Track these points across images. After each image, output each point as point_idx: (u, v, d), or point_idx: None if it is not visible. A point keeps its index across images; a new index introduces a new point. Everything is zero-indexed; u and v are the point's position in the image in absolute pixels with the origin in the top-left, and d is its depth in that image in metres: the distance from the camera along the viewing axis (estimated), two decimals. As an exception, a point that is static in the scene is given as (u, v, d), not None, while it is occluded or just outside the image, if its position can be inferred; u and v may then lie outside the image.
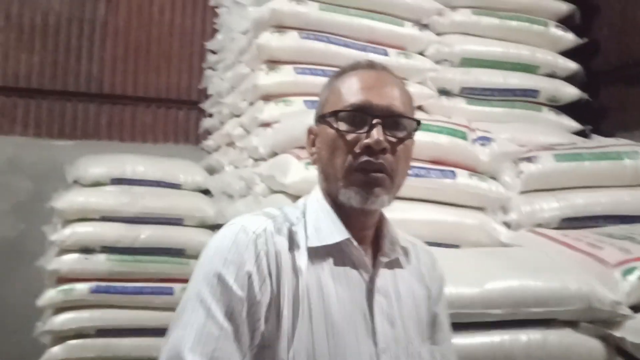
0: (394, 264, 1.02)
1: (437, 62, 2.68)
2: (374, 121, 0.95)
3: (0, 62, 3.92)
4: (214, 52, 3.88)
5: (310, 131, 1.06)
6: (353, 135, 0.95)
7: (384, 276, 1.00)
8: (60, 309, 2.90)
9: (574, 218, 1.99)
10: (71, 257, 2.90)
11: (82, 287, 2.89)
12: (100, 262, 2.92)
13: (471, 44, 2.71)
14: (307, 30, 2.50)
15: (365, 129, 0.95)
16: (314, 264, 0.94)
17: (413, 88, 2.58)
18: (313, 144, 1.04)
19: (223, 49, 3.58)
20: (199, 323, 0.86)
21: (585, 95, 2.79)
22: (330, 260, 0.96)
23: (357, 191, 0.95)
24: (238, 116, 2.94)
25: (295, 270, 0.92)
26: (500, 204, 1.99)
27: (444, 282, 1.14)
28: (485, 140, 2.04)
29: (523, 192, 2.03)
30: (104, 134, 4.10)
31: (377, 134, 0.94)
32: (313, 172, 1.92)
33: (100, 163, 3.23)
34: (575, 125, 2.74)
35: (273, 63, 2.47)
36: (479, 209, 1.98)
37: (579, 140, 2.51)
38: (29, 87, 3.96)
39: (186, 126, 4.29)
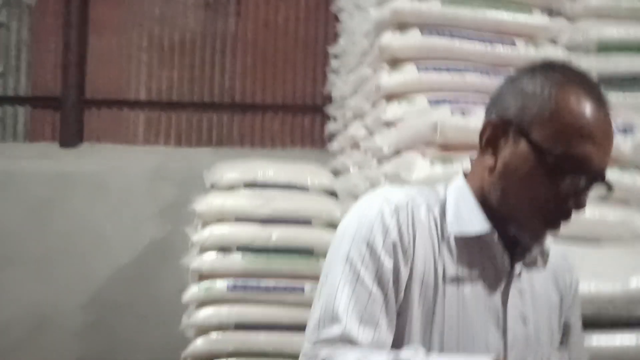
0: (531, 263, 0.98)
1: (571, 50, 2.53)
2: (588, 185, 0.87)
3: (145, 79, 4.31)
4: (336, 57, 3.96)
5: (494, 127, 0.92)
6: (558, 187, 0.86)
7: (522, 274, 0.96)
8: (202, 304, 3.12)
9: None
10: (210, 256, 3.11)
11: (220, 284, 3.09)
12: (236, 260, 3.11)
13: (609, 27, 2.52)
14: (430, 26, 2.48)
15: (574, 186, 0.87)
16: (451, 249, 0.93)
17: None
18: (492, 144, 0.92)
19: (345, 52, 3.65)
20: (350, 285, 0.88)
21: None
22: (469, 249, 0.94)
23: (532, 237, 0.92)
24: (361, 118, 2.98)
25: (433, 249, 0.92)
26: (646, 197, 1.84)
27: (578, 286, 1.07)
28: (627, 129, 1.90)
29: (673, 184, 1.86)
30: (236, 141, 4.36)
31: (585, 200, 0.88)
32: (439, 169, 1.92)
33: (234, 168, 3.43)
34: None
35: (395, 62, 2.48)
36: (622, 203, 1.84)
37: None
38: (170, 100, 4.32)
39: (311, 130, 4.43)
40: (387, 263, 0.89)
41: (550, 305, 1.00)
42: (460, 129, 1.84)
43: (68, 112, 4.22)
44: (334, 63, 4.02)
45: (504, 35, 2.51)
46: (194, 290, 3.10)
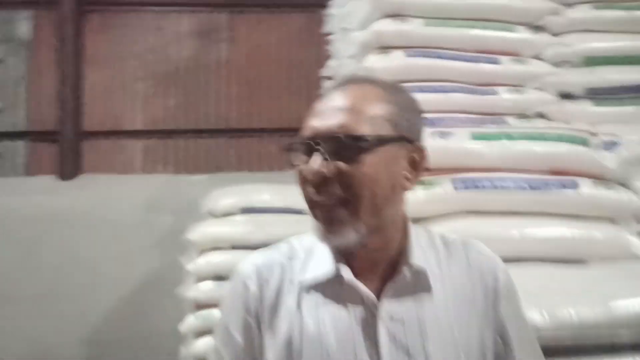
0: (417, 288, 0.90)
1: (557, 64, 2.51)
2: (313, 148, 0.85)
3: (141, 108, 4.34)
4: (329, 79, 3.97)
5: None
6: (300, 167, 0.87)
7: (399, 303, 0.89)
8: (200, 334, 3.08)
9: None
10: (207, 285, 3.08)
11: (217, 313, 3.04)
12: (233, 289, 3.07)
13: (594, 41, 2.51)
14: (414, 47, 2.47)
15: (303, 156, 0.87)
16: (307, 298, 0.91)
17: (531, 94, 2.44)
18: None
19: (336, 75, 3.65)
20: None
21: None
22: (326, 293, 0.91)
23: (322, 228, 0.89)
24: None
25: (288, 305, 0.91)
26: (633, 213, 1.80)
27: (509, 288, 0.96)
28: (611, 144, 1.87)
29: (661, 199, 1.82)
30: (233, 166, 4.36)
31: (312, 163, 0.85)
32: (421, 194, 1.89)
33: (230, 194, 3.41)
34: None
35: (380, 85, 2.47)
36: (609, 220, 1.80)
37: None
38: (166, 128, 4.33)
39: (308, 152, 4.43)
40: (241, 342, 0.93)
41: (464, 315, 0.91)
42: (439, 151, 1.81)
43: (65, 144, 4.25)
44: (326, 85, 4.03)
45: (489, 52, 2.50)
46: (191, 321, 3.06)
